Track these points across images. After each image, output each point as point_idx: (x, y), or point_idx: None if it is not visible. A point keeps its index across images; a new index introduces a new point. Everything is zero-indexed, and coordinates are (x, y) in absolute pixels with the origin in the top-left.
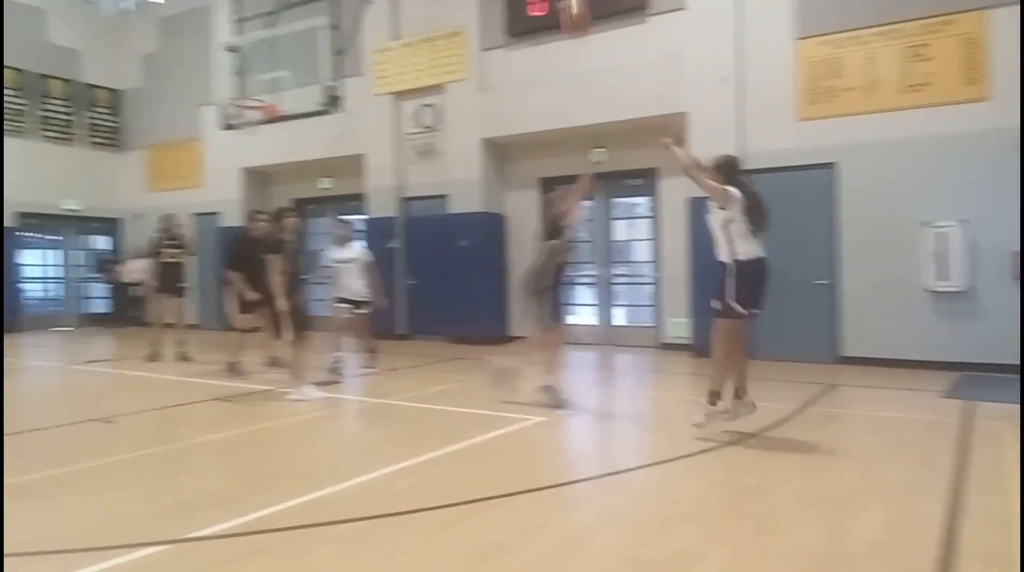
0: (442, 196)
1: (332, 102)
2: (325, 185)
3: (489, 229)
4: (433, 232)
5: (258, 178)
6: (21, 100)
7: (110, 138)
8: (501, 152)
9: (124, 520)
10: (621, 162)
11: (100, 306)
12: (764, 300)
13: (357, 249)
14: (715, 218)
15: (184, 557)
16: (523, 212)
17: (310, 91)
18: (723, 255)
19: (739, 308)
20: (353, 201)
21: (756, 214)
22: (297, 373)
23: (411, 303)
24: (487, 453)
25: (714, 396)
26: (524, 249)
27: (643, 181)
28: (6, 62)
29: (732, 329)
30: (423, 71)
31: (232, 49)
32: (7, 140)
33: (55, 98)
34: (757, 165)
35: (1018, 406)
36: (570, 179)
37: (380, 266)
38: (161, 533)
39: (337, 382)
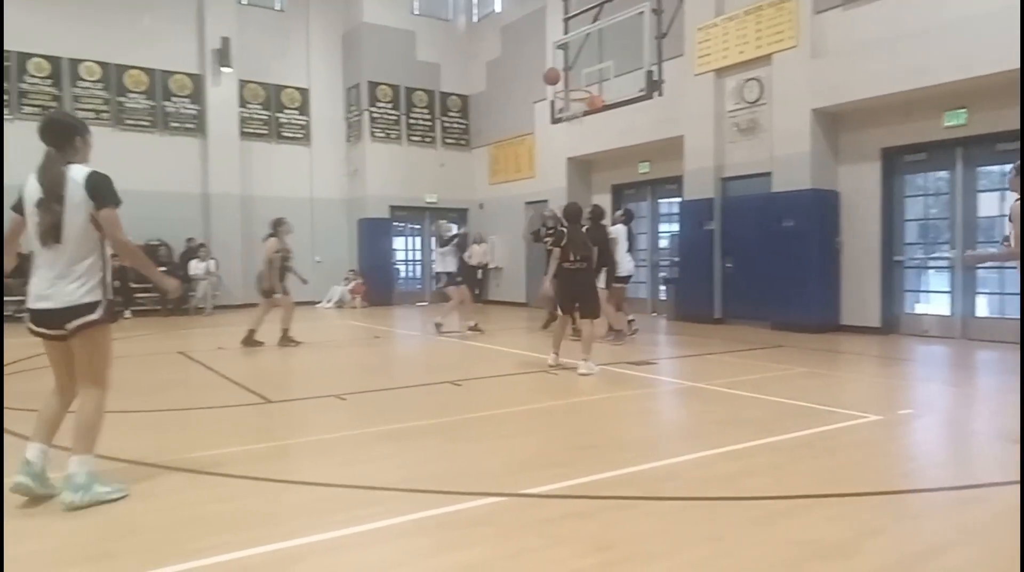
0: (765, 174)
1: (653, 86)
2: (644, 170)
3: (819, 207)
4: (753, 212)
5: (581, 166)
6: (393, 112)
7: (460, 139)
8: (834, 123)
9: (469, 470)
10: (987, 124)
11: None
12: None
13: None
14: None
15: (518, 510)
16: (860, 188)
17: (632, 78)
18: None
19: None
20: (670, 184)
21: None
22: (588, 348)
23: (727, 287)
24: (814, 448)
25: None
26: (860, 229)
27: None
28: (384, 80)
29: None
30: (748, 44)
31: (562, 46)
32: (383, 146)
33: (419, 107)
34: None
35: None
36: (920, 148)
37: (696, 249)
38: (500, 485)
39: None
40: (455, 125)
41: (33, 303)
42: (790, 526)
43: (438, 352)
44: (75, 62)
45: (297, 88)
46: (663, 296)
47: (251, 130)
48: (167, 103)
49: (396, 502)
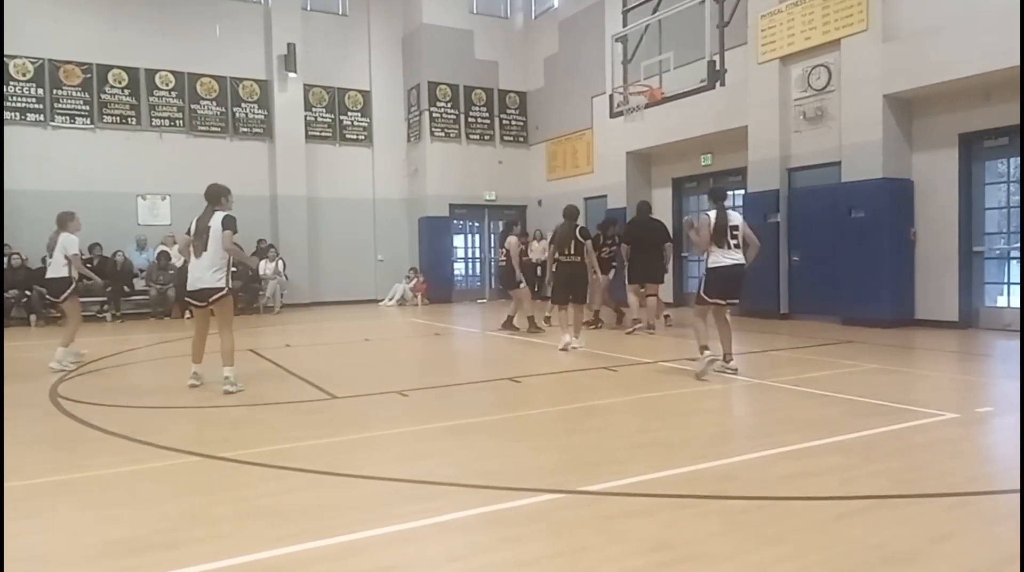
0: (833, 163)
1: (715, 77)
2: (706, 162)
3: (891, 197)
4: (821, 203)
5: (641, 160)
6: (452, 111)
7: (518, 136)
8: (908, 108)
9: (528, 466)
10: None
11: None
12: None
13: None
14: None
15: (577, 508)
16: (936, 176)
17: (693, 69)
18: None
19: None
20: (733, 176)
21: None
22: (578, 330)
23: (793, 281)
24: (884, 447)
25: None
26: (937, 218)
27: None
28: (443, 80)
29: None
30: (814, 29)
31: (621, 39)
32: (442, 145)
33: (478, 106)
34: None
35: None
36: (1001, 132)
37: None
38: (558, 482)
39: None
40: (513, 122)
41: (191, 286)
42: (856, 529)
43: (497, 349)
44: (151, 72)
45: (359, 91)
46: None
47: (316, 133)
48: (237, 109)
49: (455, 497)
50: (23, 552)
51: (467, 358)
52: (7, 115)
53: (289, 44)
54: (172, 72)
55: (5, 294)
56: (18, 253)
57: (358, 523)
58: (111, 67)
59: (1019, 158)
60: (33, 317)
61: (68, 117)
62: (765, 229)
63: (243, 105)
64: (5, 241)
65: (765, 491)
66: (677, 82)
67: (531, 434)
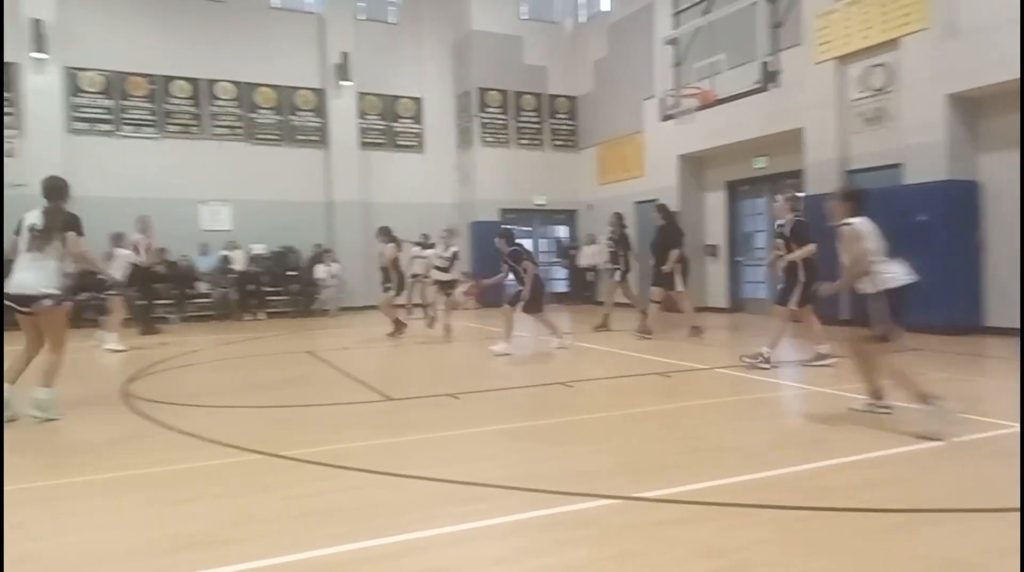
0: (894, 166)
1: (769, 78)
2: (759, 164)
3: (956, 200)
4: (882, 207)
5: (693, 163)
6: (502, 116)
7: (567, 140)
8: (973, 108)
9: (578, 471)
10: None
11: (560, 286)
12: None
13: None
14: None
15: (628, 513)
16: (1005, 177)
17: (745, 70)
18: None
19: None
20: (789, 178)
21: None
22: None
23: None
24: (943, 459)
25: None
26: (1006, 222)
27: None
28: (493, 86)
29: None
30: (872, 28)
31: (671, 42)
32: (493, 151)
33: (527, 111)
34: None
35: None
36: None
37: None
38: (609, 488)
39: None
40: (563, 127)
41: None
42: (915, 541)
43: (548, 354)
44: (211, 82)
45: (411, 98)
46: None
47: (369, 140)
48: (293, 117)
49: (505, 500)
50: (86, 545)
51: (518, 362)
52: (78, 126)
53: (343, 53)
54: (232, 82)
55: (78, 297)
56: None
57: (408, 524)
58: (174, 78)
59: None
60: (104, 318)
61: (135, 127)
62: (824, 233)
63: (299, 113)
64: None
65: (821, 501)
66: (729, 84)
67: (583, 438)
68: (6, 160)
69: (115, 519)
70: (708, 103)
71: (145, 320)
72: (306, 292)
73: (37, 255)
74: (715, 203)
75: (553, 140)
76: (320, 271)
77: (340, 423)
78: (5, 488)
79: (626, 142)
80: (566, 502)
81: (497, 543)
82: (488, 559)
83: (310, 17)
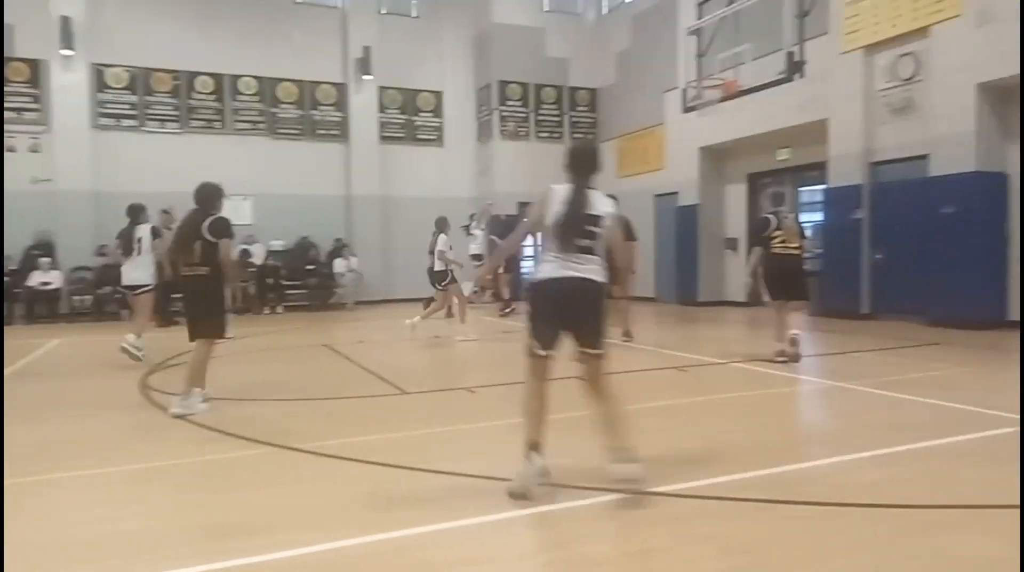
0: (921, 157)
1: (794, 68)
2: (783, 156)
3: (985, 192)
4: (907, 198)
5: (714, 156)
6: (522, 110)
7: (588, 133)
8: (1004, 97)
9: (601, 465)
10: None
11: None
12: None
13: None
14: None
15: (650, 508)
16: None
17: (770, 61)
18: None
19: None
20: (813, 170)
21: None
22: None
23: (876, 280)
24: (975, 455)
25: None
26: None
27: None
28: (514, 79)
29: None
30: (902, 16)
31: (695, 32)
32: (512, 144)
33: (548, 104)
34: None
35: None
36: None
37: (842, 239)
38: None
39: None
40: (583, 119)
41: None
42: (943, 539)
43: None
44: (235, 78)
45: (432, 91)
46: None
47: (389, 134)
48: (314, 112)
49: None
50: (115, 535)
51: None
52: (104, 122)
53: (365, 47)
54: (254, 77)
55: (99, 291)
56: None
57: (429, 517)
58: (198, 74)
59: None
60: (126, 312)
61: (159, 122)
62: (847, 226)
63: (320, 108)
64: (102, 240)
65: (847, 497)
66: (753, 75)
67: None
68: (33, 155)
69: (144, 509)
70: (731, 94)
71: (163, 312)
72: (324, 286)
73: None
74: (736, 196)
75: (573, 133)
76: (339, 265)
77: (356, 416)
78: (35, 477)
79: (646, 135)
80: (587, 496)
81: (516, 536)
82: (507, 552)
83: (333, 11)
